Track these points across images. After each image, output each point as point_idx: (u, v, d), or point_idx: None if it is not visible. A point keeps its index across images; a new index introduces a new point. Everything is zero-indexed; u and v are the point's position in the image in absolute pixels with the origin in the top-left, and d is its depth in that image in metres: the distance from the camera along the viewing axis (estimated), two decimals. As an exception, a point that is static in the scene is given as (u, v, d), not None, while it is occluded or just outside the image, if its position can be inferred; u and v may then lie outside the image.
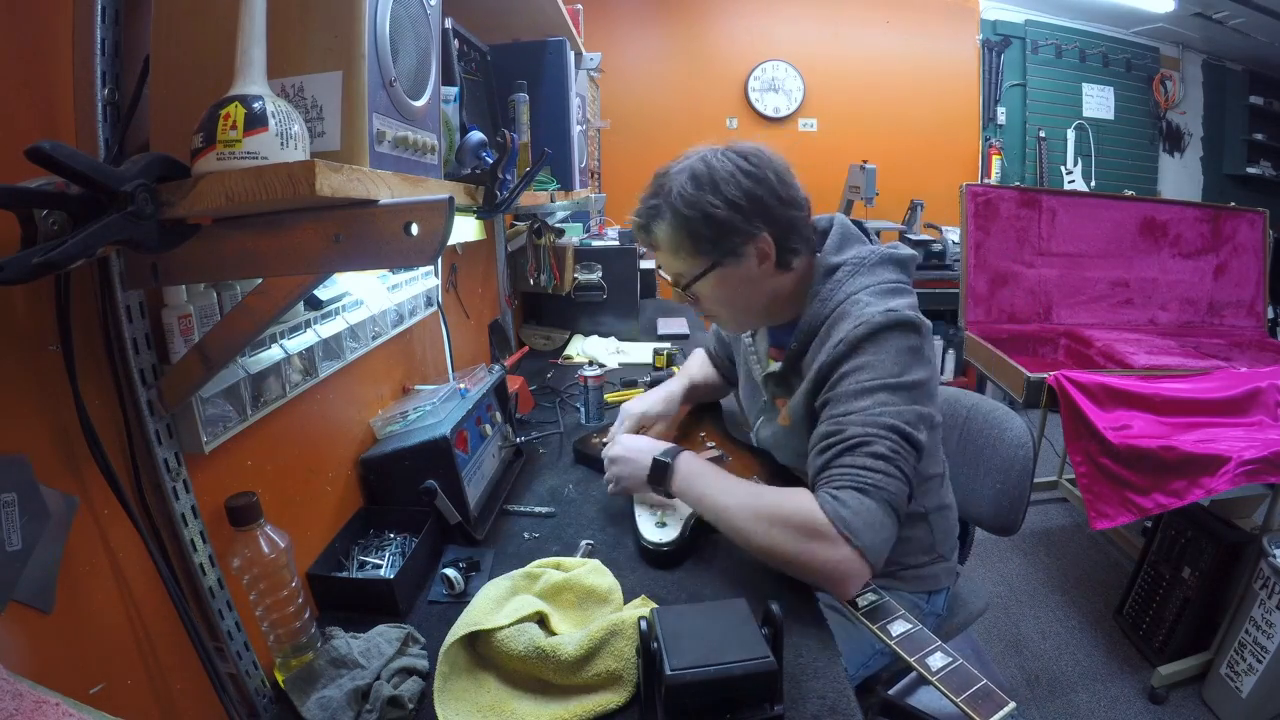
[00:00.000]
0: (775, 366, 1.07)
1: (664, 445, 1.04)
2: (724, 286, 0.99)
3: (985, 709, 0.64)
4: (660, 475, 1.00)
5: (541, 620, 0.82)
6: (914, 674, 0.73)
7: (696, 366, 1.44)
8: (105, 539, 0.60)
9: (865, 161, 3.36)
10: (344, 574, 0.95)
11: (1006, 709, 0.63)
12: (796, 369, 1.02)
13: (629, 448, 1.07)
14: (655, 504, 1.07)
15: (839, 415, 0.87)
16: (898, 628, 0.77)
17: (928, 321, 0.93)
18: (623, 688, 0.75)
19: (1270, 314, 2.85)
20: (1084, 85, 4.05)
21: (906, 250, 1.02)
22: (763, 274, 0.98)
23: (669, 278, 1.05)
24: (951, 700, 0.66)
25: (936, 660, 0.71)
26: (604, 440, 1.36)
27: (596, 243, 2.47)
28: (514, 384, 1.53)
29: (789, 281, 1.01)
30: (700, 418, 1.44)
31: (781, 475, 1.16)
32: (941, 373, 3.40)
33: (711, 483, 0.97)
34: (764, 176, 0.94)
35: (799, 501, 0.85)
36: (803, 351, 1.00)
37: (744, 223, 0.93)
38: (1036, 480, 2.74)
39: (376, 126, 0.57)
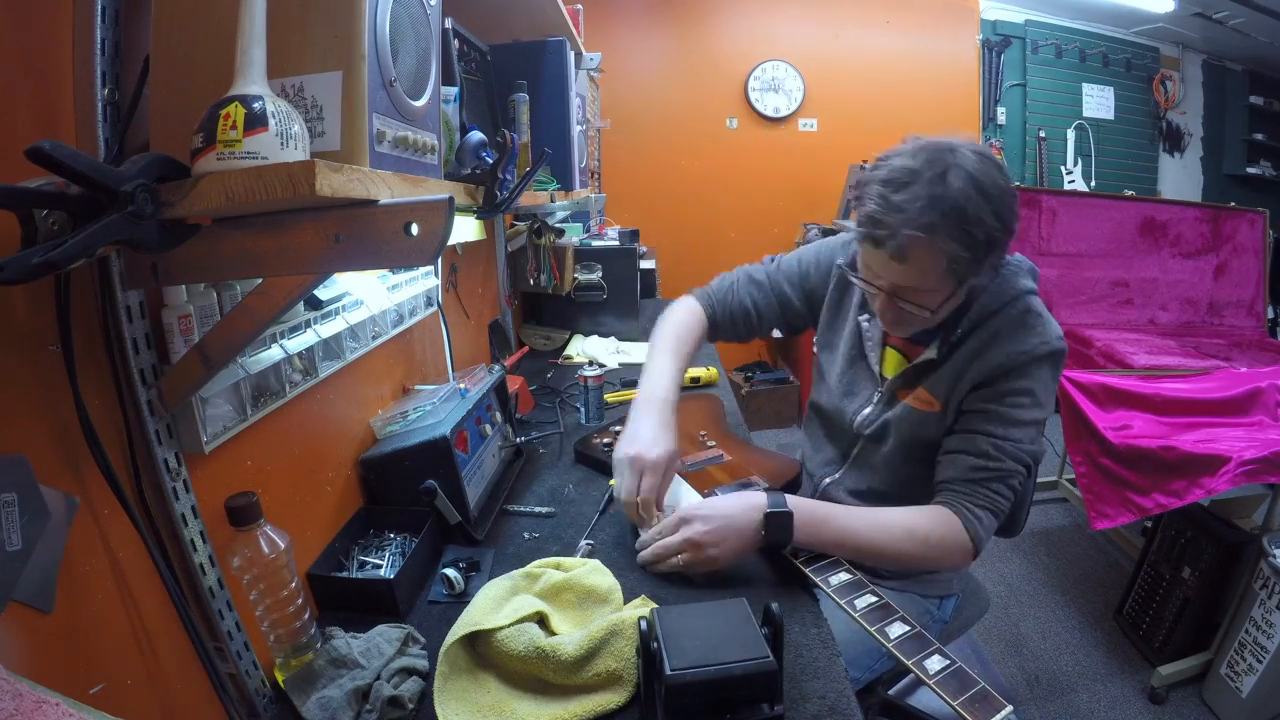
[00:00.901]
0: (929, 354, 1.00)
1: (758, 496, 0.92)
2: (953, 303, 0.93)
3: (982, 712, 0.64)
4: (779, 528, 0.89)
5: (541, 620, 0.82)
6: (913, 675, 0.73)
7: (682, 329, 1.20)
8: (105, 539, 0.60)
9: (865, 161, 3.36)
10: (344, 574, 0.95)
11: (1003, 712, 0.63)
12: (950, 357, 0.99)
13: (717, 516, 0.89)
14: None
15: (999, 438, 0.94)
16: (896, 630, 0.77)
17: None
18: (623, 688, 0.75)
19: (1270, 314, 2.85)
20: (1084, 85, 4.05)
21: (1032, 263, 1.05)
22: (981, 283, 0.95)
23: (888, 289, 0.91)
24: (949, 703, 0.66)
25: (934, 663, 0.71)
26: (604, 442, 1.35)
27: (596, 243, 2.46)
28: (514, 384, 1.53)
29: None
30: (699, 416, 1.44)
31: (778, 476, 1.15)
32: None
33: (840, 519, 0.93)
34: (1014, 188, 0.87)
35: (943, 521, 0.93)
36: (962, 340, 0.98)
37: (1008, 238, 0.87)
38: (1037, 480, 2.74)
39: (376, 126, 0.57)
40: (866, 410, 1.10)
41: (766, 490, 0.95)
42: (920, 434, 1.03)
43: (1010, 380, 0.94)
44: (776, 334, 1.30)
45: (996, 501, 0.94)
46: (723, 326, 1.25)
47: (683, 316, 1.22)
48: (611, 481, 1.03)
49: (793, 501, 0.91)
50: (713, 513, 0.90)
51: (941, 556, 0.94)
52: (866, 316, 1.10)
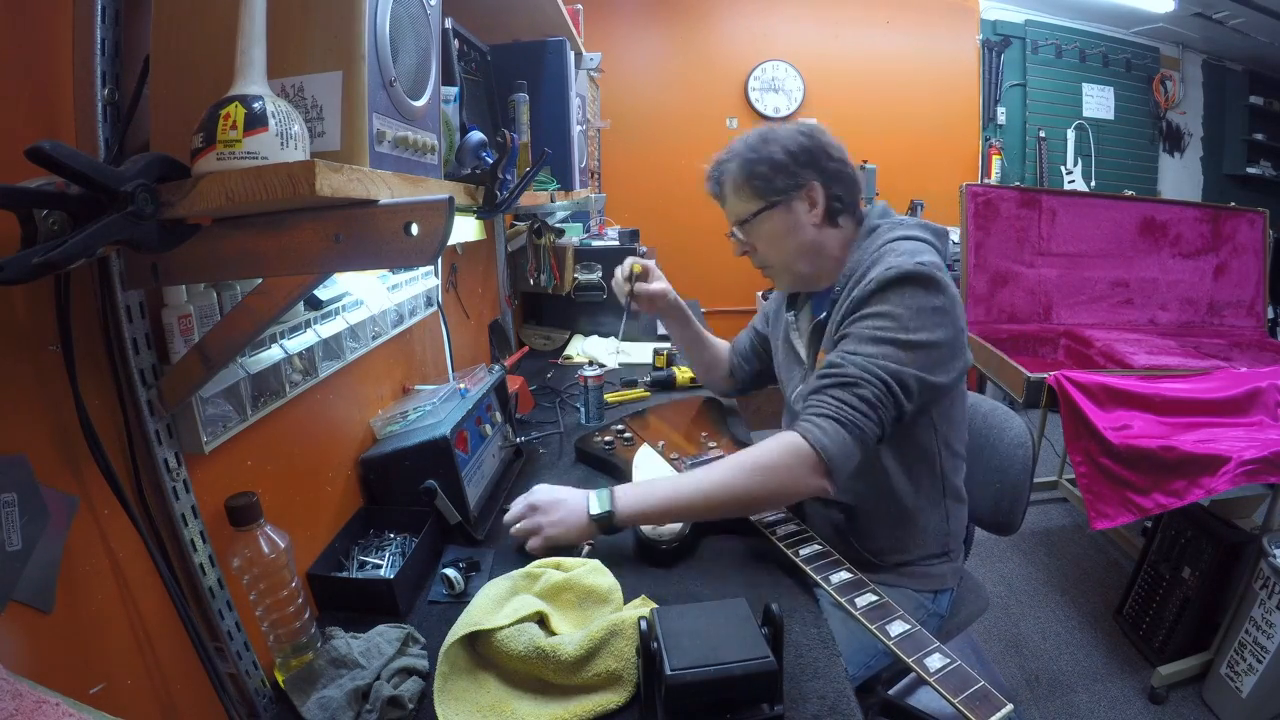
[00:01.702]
0: (821, 316, 1.10)
1: (582, 492, 0.99)
2: (777, 229, 1.10)
3: (983, 710, 0.64)
4: (605, 522, 0.96)
5: (541, 620, 0.82)
6: (913, 674, 0.73)
7: (719, 341, 1.53)
8: (105, 539, 0.60)
9: (865, 161, 3.36)
10: (344, 574, 0.95)
11: (1004, 710, 0.63)
12: (834, 313, 1.06)
13: (558, 496, 1.00)
14: None
15: (847, 352, 0.95)
16: (896, 628, 0.77)
17: (953, 284, 0.98)
18: (623, 688, 0.75)
19: (1270, 314, 2.86)
20: (1084, 85, 4.05)
21: (941, 226, 1.10)
22: (810, 223, 1.09)
23: (731, 221, 1.15)
24: (949, 701, 0.66)
25: (935, 661, 0.71)
26: (605, 440, 1.36)
27: (596, 243, 2.47)
28: (514, 384, 1.53)
29: (835, 240, 1.11)
30: (701, 418, 1.44)
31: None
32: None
33: (669, 481, 0.99)
34: (817, 138, 1.09)
35: (782, 438, 0.93)
36: (842, 295, 1.04)
37: (797, 167, 1.06)
38: (1036, 480, 2.74)
39: (376, 126, 0.57)
40: (800, 388, 1.19)
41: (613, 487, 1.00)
42: None
43: (862, 307, 0.97)
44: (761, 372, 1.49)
45: (841, 410, 0.91)
46: (733, 358, 1.51)
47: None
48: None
49: (620, 490, 0.98)
50: (556, 493, 1.01)
51: (787, 479, 0.92)
52: (793, 313, 1.23)
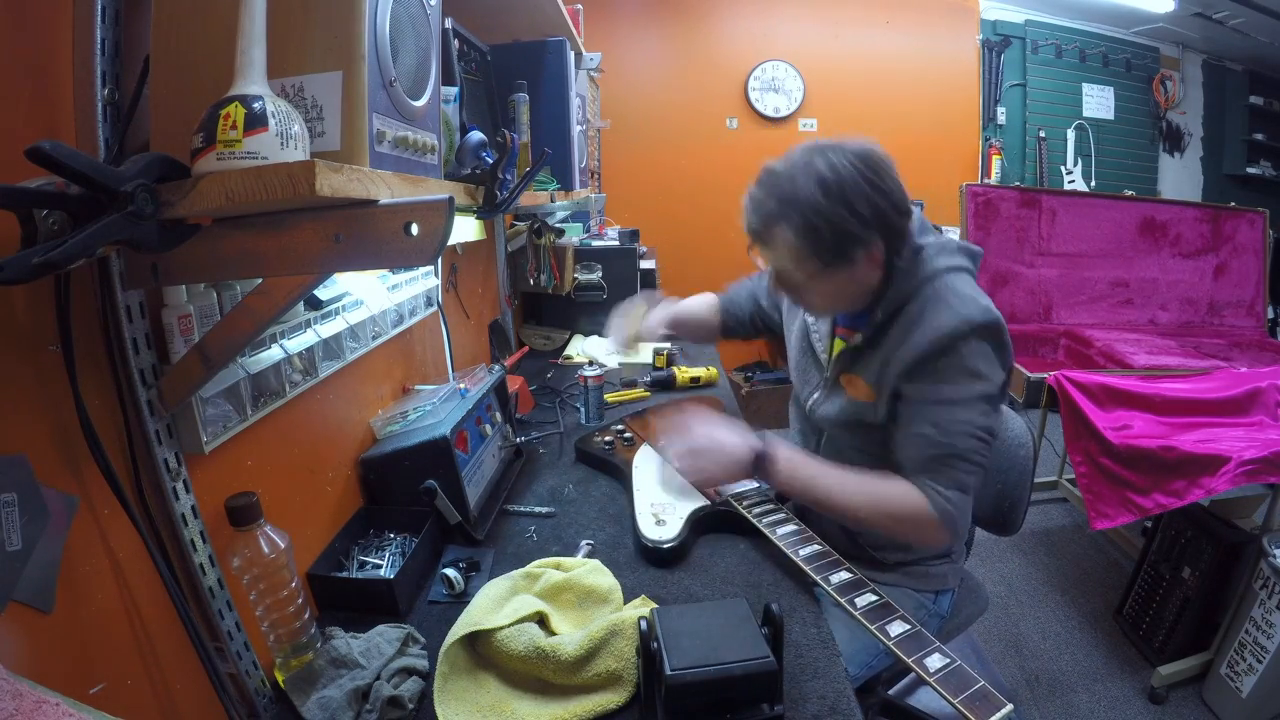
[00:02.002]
0: (856, 339, 1.05)
1: (747, 434, 1.04)
2: (829, 287, 1.01)
3: (983, 710, 0.64)
4: (762, 465, 1.01)
5: (541, 620, 0.82)
6: (913, 674, 0.73)
7: (695, 302, 1.45)
8: (105, 539, 0.60)
9: (865, 161, 3.36)
10: (344, 574, 0.95)
11: (1003, 711, 0.63)
12: (878, 342, 1.02)
13: (711, 438, 1.05)
14: (655, 502, 1.07)
15: (945, 421, 0.95)
16: (896, 628, 0.77)
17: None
18: (623, 688, 0.75)
19: (1270, 314, 2.85)
20: (1084, 85, 4.05)
21: (975, 246, 1.08)
22: (866, 274, 1.00)
23: (768, 268, 1.05)
24: (949, 701, 0.66)
25: (934, 661, 0.71)
26: (605, 440, 1.36)
27: (596, 243, 2.47)
28: (514, 384, 1.53)
29: (879, 274, 1.03)
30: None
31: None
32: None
33: (815, 469, 1.01)
34: (888, 189, 0.95)
35: (909, 498, 0.96)
36: (887, 324, 1.01)
37: (865, 231, 0.94)
38: (1036, 480, 2.73)
39: (376, 126, 0.57)
40: (816, 395, 1.16)
41: (769, 434, 1.05)
42: (863, 422, 1.06)
43: (939, 361, 0.95)
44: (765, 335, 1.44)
45: (959, 479, 0.95)
46: (725, 318, 1.42)
47: (702, 297, 1.45)
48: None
49: (781, 446, 1.03)
50: (710, 439, 1.05)
51: (911, 533, 0.99)
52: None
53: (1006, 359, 0.98)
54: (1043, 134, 4.01)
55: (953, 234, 3.26)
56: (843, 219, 0.92)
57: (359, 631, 0.81)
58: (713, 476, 1.07)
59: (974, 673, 0.68)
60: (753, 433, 1.05)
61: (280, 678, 0.76)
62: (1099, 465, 1.77)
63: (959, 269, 1.02)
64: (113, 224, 0.45)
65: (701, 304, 1.45)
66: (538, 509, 1.17)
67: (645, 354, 2.08)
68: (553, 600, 0.86)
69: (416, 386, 1.31)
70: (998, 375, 0.97)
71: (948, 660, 0.71)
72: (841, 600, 0.82)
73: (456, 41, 1.11)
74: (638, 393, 1.77)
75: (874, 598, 0.82)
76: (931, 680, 0.69)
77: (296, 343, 0.89)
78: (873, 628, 0.77)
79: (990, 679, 1.91)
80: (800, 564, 0.91)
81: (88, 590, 0.58)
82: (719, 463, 1.03)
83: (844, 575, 0.87)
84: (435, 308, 1.43)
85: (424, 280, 1.37)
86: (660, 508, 1.07)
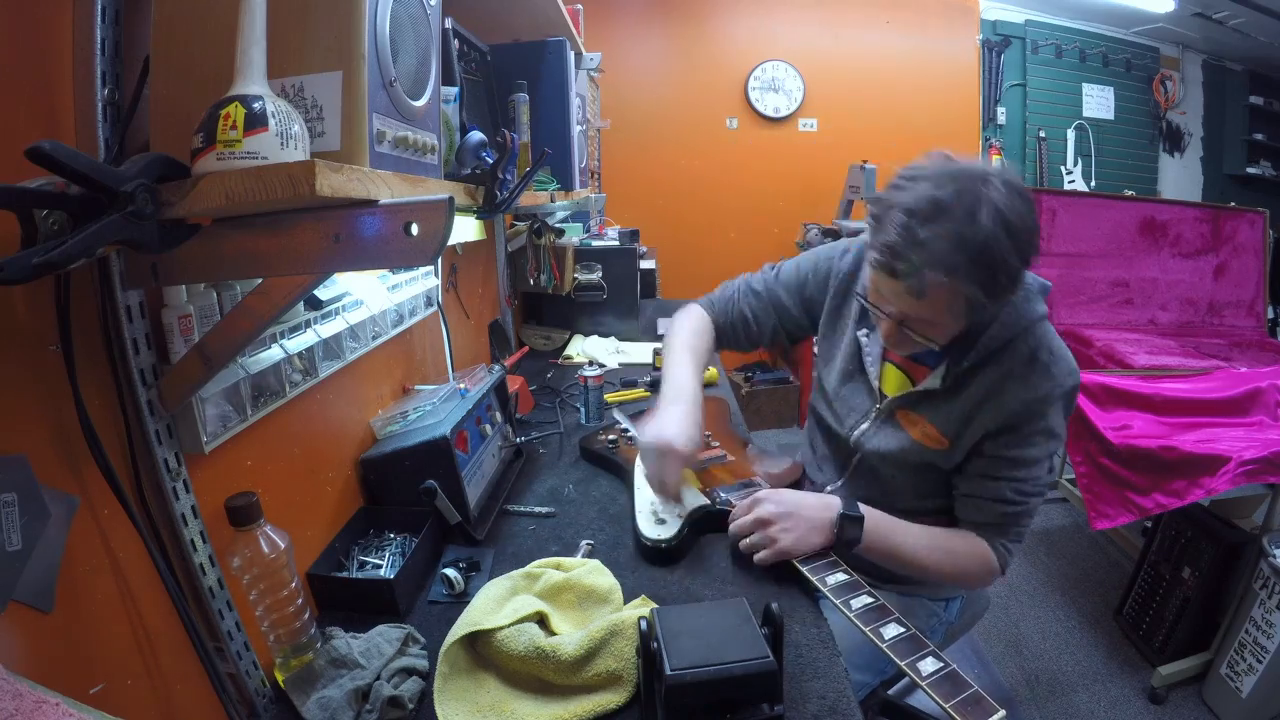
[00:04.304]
0: (932, 383, 0.98)
1: (832, 499, 0.96)
2: (957, 333, 0.92)
3: (975, 715, 0.63)
4: (852, 531, 0.93)
5: (541, 620, 0.82)
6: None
7: (694, 335, 1.21)
8: (105, 539, 0.60)
9: (865, 161, 3.36)
10: (344, 574, 0.95)
11: (996, 716, 0.63)
12: (959, 390, 0.96)
13: (789, 504, 0.94)
14: (654, 500, 1.07)
15: (1020, 481, 0.96)
16: (891, 631, 0.76)
17: None
18: (623, 688, 0.75)
19: (1270, 314, 2.85)
20: (1084, 85, 4.05)
21: (1045, 280, 1.01)
22: None
23: (897, 314, 0.90)
24: (941, 706, 0.66)
25: (928, 665, 0.71)
26: (609, 439, 1.36)
27: (596, 243, 2.46)
28: (514, 384, 1.53)
29: None
30: (704, 416, 1.43)
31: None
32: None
33: (899, 533, 0.98)
34: (1037, 225, 0.84)
35: (977, 554, 0.98)
36: (974, 370, 0.95)
37: (1022, 275, 0.85)
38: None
39: (376, 126, 0.57)
40: (864, 426, 1.08)
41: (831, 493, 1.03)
42: (926, 464, 1.02)
43: (1025, 424, 0.94)
44: (780, 346, 1.31)
45: (1022, 533, 1.00)
46: (725, 335, 1.25)
47: (694, 322, 1.25)
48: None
49: (869, 511, 0.96)
50: (784, 499, 0.96)
51: (970, 580, 1.02)
52: (865, 331, 1.08)
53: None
54: (1043, 134, 4.01)
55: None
56: (1012, 265, 0.80)
57: (359, 631, 0.81)
58: (794, 544, 0.92)
59: (968, 677, 0.68)
60: (836, 497, 0.96)
61: (280, 678, 0.76)
62: (1099, 465, 1.77)
63: (1045, 318, 0.96)
64: (113, 224, 0.45)
65: (703, 343, 1.21)
66: (538, 509, 1.17)
67: (645, 354, 2.08)
68: (553, 600, 0.86)
69: (416, 386, 1.31)
70: (1065, 432, 0.99)
71: (941, 664, 0.70)
72: (837, 602, 0.82)
73: (456, 41, 1.11)
74: (638, 393, 1.77)
75: (869, 600, 0.82)
76: (924, 684, 0.68)
77: (296, 343, 0.89)
78: (867, 630, 0.77)
79: (990, 679, 1.92)
80: (798, 565, 0.91)
81: (88, 590, 0.58)
82: (803, 529, 0.92)
83: (841, 577, 0.87)
84: (435, 308, 1.43)
85: (424, 280, 1.37)
86: (660, 506, 1.07)
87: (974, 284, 0.80)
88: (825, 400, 1.17)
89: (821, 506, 0.95)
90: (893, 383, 1.06)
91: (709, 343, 1.22)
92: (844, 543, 0.93)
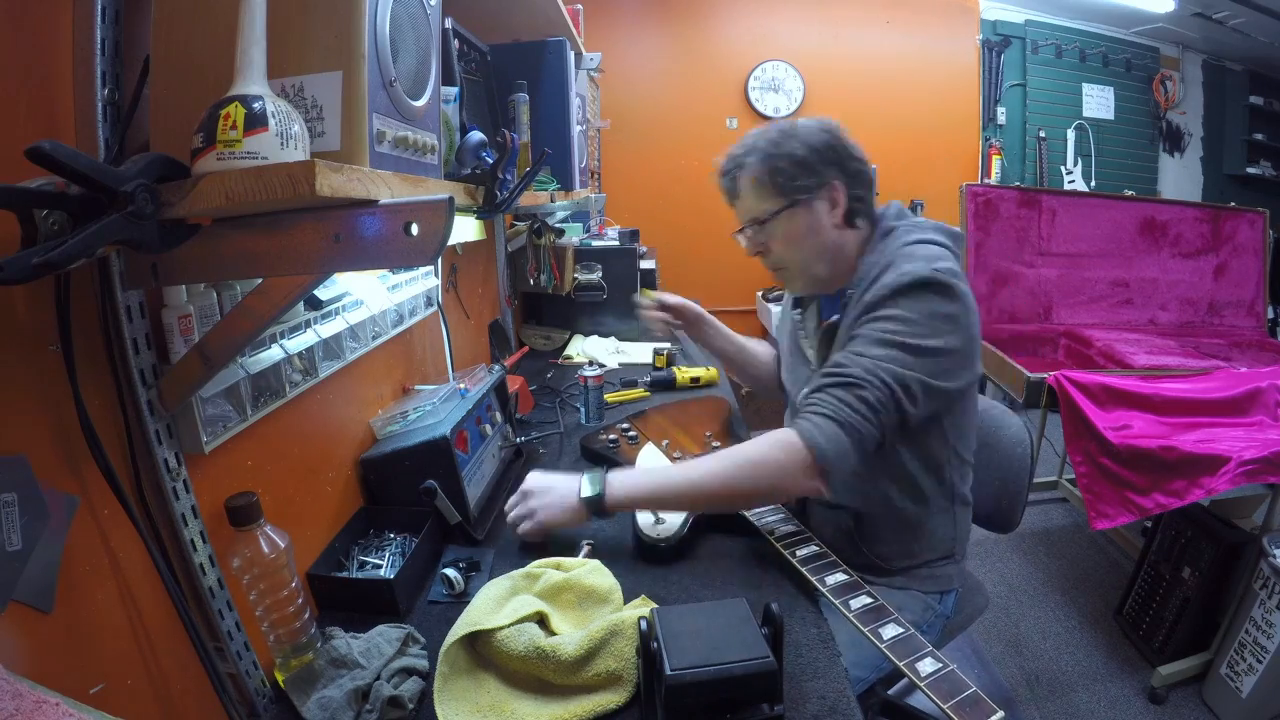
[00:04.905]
0: (835, 318, 1.06)
1: (575, 476, 1.01)
2: (796, 229, 1.05)
3: (973, 716, 0.63)
4: (594, 507, 0.97)
5: (541, 620, 0.82)
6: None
7: (760, 344, 1.45)
8: (105, 539, 0.60)
9: (865, 161, 3.36)
10: (344, 574, 0.95)
11: (994, 717, 0.63)
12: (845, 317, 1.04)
13: (546, 483, 1.02)
14: None
15: (853, 353, 0.94)
16: (889, 631, 0.76)
17: (969, 292, 0.97)
18: (623, 688, 0.75)
19: (1270, 314, 2.85)
20: (1084, 85, 4.05)
21: (955, 228, 1.08)
22: (830, 224, 1.05)
23: (745, 222, 1.09)
24: (939, 706, 0.65)
25: (926, 666, 0.71)
26: (610, 438, 1.36)
27: (596, 243, 2.47)
28: (514, 384, 1.53)
29: (852, 242, 1.07)
30: (705, 417, 1.44)
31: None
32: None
33: (661, 471, 1.00)
34: (840, 135, 1.05)
35: (773, 436, 0.94)
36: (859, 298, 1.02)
37: (821, 165, 1.02)
38: (1036, 480, 2.74)
39: (376, 126, 0.57)
40: (805, 390, 1.11)
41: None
42: None
43: (873, 310, 0.95)
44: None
45: (841, 410, 0.90)
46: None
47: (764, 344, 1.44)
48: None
49: (618, 474, 0.99)
50: (544, 479, 1.04)
51: (779, 476, 0.92)
52: (798, 311, 1.21)
53: (961, 321, 0.94)
54: (1043, 134, 4.00)
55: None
56: (796, 151, 1.01)
57: (359, 631, 0.81)
58: (545, 517, 1.00)
59: (966, 678, 0.68)
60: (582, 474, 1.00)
61: (280, 678, 0.76)
62: (1099, 465, 1.77)
63: (929, 241, 1.02)
64: (113, 224, 0.45)
65: (763, 350, 1.43)
66: (538, 509, 1.17)
67: (645, 354, 2.08)
68: (553, 600, 0.86)
69: (416, 386, 1.31)
70: (939, 333, 0.92)
71: (940, 665, 0.70)
72: (836, 602, 0.82)
73: (456, 41, 1.11)
74: (638, 393, 1.77)
75: (869, 600, 0.82)
76: (923, 685, 0.68)
77: (296, 343, 0.89)
78: (866, 630, 0.77)
79: (990, 679, 1.92)
80: (797, 565, 0.91)
81: (88, 590, 0.58)
82: (550, 501, 0.99)
83: (840, 577, 0.87)
84: (435, 308, 1.43)
85: (424, 280, 1.37)
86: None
87: (759, 164, 1.03)
88: (787, 381, 1.27)
89: (571, 489, 0.99)
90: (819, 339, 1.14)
91: (764, 353, 1.44)
92: (596, 513, 0.97)
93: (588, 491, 0.97)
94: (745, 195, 1.07)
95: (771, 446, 0.93)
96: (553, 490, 1.01)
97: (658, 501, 1.01)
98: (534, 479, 1.04)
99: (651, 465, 1.20)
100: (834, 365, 0.95)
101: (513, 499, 1.04)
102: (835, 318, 1.06)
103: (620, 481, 0.98)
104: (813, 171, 1.02)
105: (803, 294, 1.18)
